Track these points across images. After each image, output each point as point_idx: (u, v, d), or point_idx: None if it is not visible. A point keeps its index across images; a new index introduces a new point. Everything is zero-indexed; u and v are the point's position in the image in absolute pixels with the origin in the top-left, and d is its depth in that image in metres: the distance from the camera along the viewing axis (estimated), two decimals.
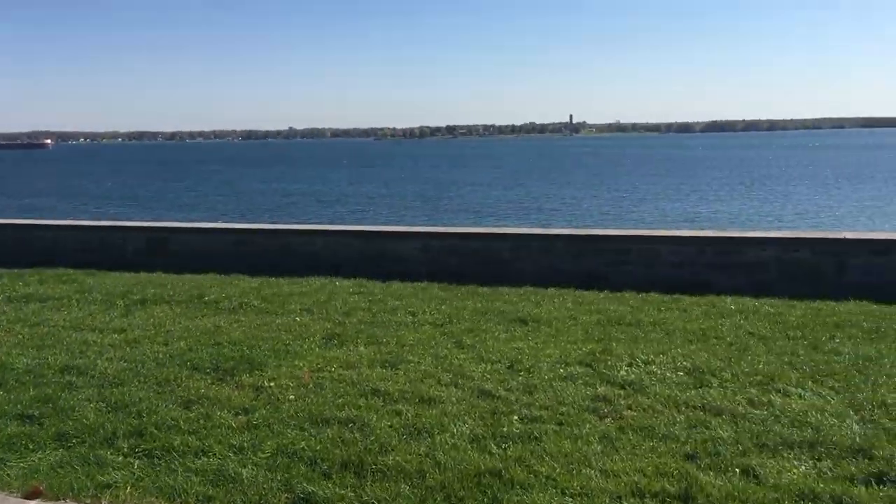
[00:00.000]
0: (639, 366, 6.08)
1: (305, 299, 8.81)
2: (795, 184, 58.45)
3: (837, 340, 6.69)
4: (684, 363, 6.09)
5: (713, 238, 9.72)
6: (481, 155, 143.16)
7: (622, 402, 5.28)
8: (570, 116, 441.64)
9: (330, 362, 6.33)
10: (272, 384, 5.79)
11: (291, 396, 5.53)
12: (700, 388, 5.54)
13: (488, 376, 5.90)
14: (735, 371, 5.84)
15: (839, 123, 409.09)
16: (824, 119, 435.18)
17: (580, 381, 5.73)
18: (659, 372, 5.91)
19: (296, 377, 5.96)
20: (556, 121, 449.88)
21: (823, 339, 6.76)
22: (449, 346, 6.79)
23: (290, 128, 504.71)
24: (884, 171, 69.17)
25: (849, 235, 9.35)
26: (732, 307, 8.13)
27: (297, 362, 6.33)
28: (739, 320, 7.56)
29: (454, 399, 5.43)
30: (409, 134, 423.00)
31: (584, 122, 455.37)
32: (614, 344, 6.67)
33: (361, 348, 6.75)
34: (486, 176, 76.61)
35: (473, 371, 6.04)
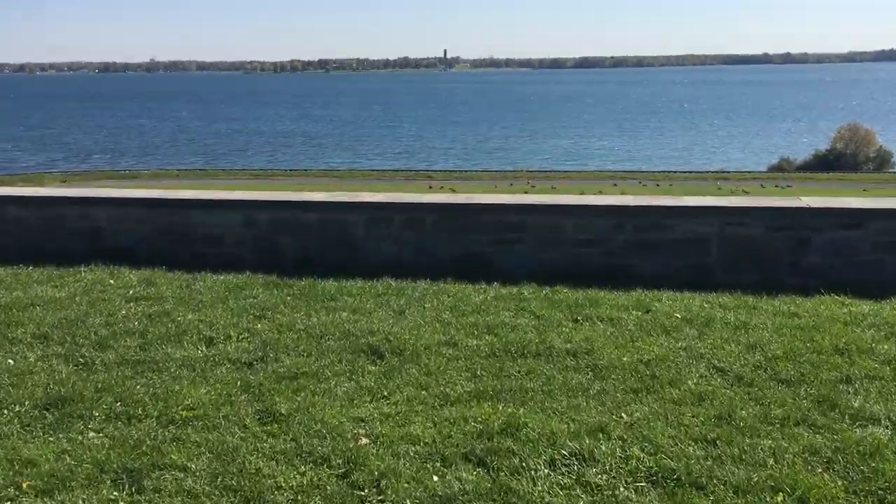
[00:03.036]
0: (567, 463, 3.54)
1: (50, 313, 5.78)
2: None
3: (857, 386, 4.35)
4: (642, 456, 3.58)
5: (635, 208, 7.26)
6: (361, 90, 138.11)
7: None
8: (445, 52, 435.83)
9: (13, 479, 3.47)
10: None
11: None
12: None
13: None
14: (734, 475, 3.37)
15: (702, 61, 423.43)
16: (687, 56, 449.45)
17: None
18: (606, 481, 3.38)
19: None
20: (431, 56, 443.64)
21: (835, 382, 4.41)
22: (249, 419, 4.05)
23: (152, 59, 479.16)
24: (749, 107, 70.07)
25: (811, 204, 7.09)
26: (677, 315, 5.70)
27: None
28: (694, 341, 5.15)
29: None
30: (279, 68, 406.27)
31: (458, 57, 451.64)
32: (521, 409, 4.09)
33: (92, 434, 3.89)
34: (369, 112, 73.04)
35: (280, 489, 3.35)
